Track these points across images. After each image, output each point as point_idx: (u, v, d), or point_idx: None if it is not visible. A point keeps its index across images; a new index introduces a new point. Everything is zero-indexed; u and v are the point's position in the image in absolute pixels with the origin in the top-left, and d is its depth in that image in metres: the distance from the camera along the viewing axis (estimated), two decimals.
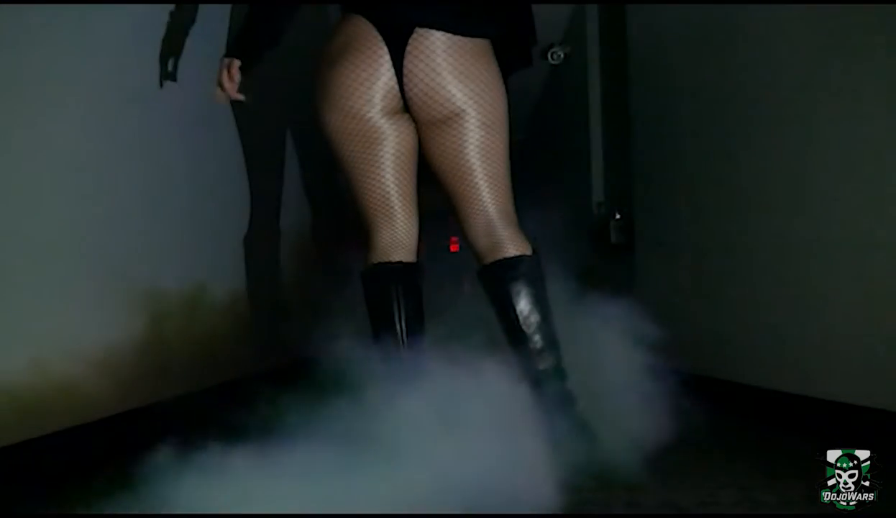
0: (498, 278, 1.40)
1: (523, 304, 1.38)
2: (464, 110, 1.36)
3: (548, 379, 1.36)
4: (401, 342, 1.39)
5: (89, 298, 1.48)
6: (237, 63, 1.42)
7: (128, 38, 1.64)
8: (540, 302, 1.40)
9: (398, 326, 1.40)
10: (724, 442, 1.68)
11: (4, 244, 1.25)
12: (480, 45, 1.38)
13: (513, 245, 1.41)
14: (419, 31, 1.32)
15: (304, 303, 2.91)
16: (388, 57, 1.33)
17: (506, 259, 1.40)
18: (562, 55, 4.09)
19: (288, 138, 2.75)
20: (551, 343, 1.40)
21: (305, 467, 1.04)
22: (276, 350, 2.55)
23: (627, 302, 3.08)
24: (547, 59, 4.15)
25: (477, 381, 1.22)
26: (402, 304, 1.41)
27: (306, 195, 3.00)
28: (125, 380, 1.57)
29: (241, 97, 1.45)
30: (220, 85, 1.43)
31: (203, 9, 1.90)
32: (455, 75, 1.34)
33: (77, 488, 1.28)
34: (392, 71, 1.34)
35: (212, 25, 1.99)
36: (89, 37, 1.51)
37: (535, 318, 1.38)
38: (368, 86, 1.34)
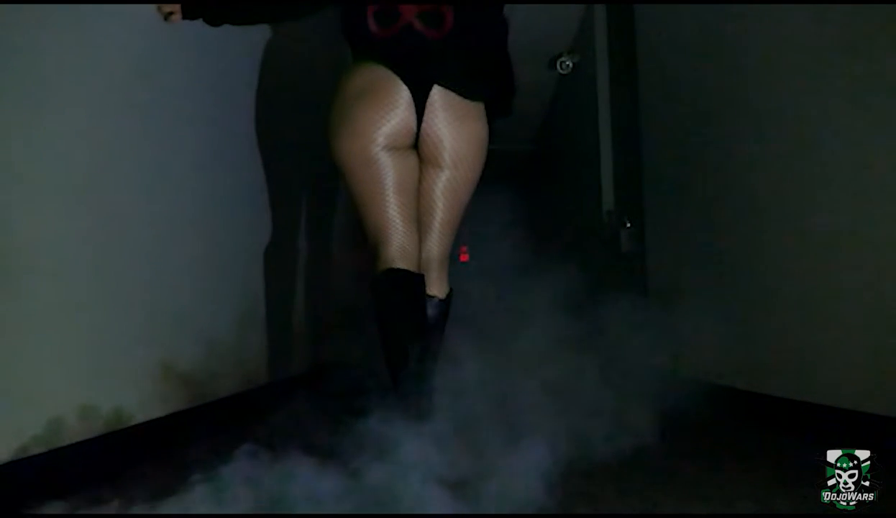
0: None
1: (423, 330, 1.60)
2: (449, 167, 1.65)
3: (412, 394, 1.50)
4: (405, 344, 1.53)
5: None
6: (177, 18, 1.67)
7: (134, 44, 1.64)
8: (433, 332, 1.65)
9: (402, 329, 1.54)
10: (740, 451, 1.67)
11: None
12: (479, 109, 1.68)
13: (435, 287, 1.71)
14: (437, 87, 1.59)
15: (325, 313, 2.95)
16: (409, 100, 1.58)
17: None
18: (570, 65, 4.12)
19: (302, 147, 2.79)
20: (429, 366, 1.59)
21: None
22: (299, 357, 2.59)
23: (639, 310, 3.11)
24: (555, 68, 4.19)
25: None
26: (408, 309, 1.56)
27: (317, 202, 3.05)
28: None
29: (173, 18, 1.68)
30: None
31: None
32: (454, 136, 1.63)
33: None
34: (412, 112, 1.59)
35: (217, 36, 2.03)
36: (92, 41, 1.48)
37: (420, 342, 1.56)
38: (385, 121, 1.57)
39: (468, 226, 2.40)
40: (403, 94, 1.57)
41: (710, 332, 2.39)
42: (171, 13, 1.69)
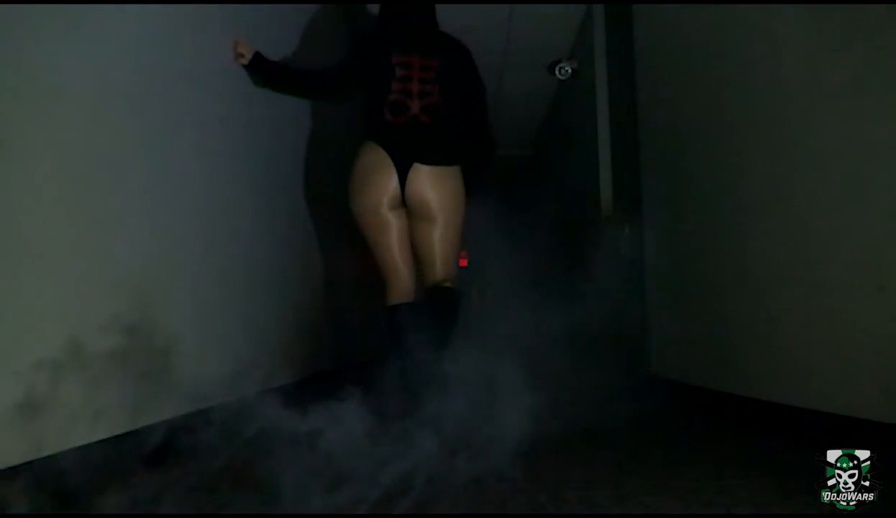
0: (432, 295, 2.29)
1: (442, 314, 2.25)
2: (436, 216, 2.24)
3: (431, 364, 2.01)
4: (406, 353, 2.11)
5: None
6: (245, 61, 2.15)
7: (137, 45, 1.60)
8: (451, 317, 2.28)
9: (404, 343, 2.13)
10: (739, 458, 1.66)
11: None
12: (453, 170, 2.28)
13: (448, 283, 2.29)
14: (415, 165, 2.21)
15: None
16: (396, 175, 2.21)
17: (441, 286, 2.29)
18: (569, 70, 4.14)
19: (309, 147, 2.80)
20: (445, 344, 2.19)
21: None
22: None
23: (636, 314, 3.11)
24: (554, 74, 4.20)
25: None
26: (408, 330, 2.13)
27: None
28: None
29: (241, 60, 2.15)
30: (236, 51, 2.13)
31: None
32: (435, 191, 2.22)
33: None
34: (398, 183, 2.21)
35: (218, 36, 2.04)
36: (94, 42, 1.45)
37: (444, 326, 2.23)
38: (384, 193, 2.22)
39: (468, 231, 2.44)
40: (394, 173, 2.20)
41: (708, 335, 2.39)
42: (241, 55, 2.11)
